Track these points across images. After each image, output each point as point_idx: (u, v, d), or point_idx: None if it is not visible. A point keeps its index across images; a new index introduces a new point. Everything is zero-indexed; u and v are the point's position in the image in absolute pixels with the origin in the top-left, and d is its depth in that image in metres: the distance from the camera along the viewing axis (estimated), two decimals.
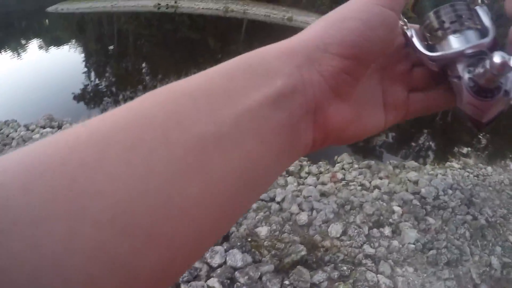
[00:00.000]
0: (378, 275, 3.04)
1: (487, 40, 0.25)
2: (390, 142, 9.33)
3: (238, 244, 2.70)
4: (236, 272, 2.46)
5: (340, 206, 4.09)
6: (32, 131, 5.55)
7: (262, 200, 3.82)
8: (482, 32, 0.26)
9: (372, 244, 3.49)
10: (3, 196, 0.12)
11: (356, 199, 4.34)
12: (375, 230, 3.76)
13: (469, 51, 0.25)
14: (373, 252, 3.34)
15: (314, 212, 3.77)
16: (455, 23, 0.26)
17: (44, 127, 5.80)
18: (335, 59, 0.22)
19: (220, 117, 0.18)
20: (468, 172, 6.41)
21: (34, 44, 14.79)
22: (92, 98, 8.41)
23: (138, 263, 0.14)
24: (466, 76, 0.25)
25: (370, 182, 5.17)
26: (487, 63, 0.23)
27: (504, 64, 0.23)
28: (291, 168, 5.16)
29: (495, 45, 0.26)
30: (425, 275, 3.37)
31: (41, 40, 15.59)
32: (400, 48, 0.28)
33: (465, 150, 10.34)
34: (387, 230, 3.82)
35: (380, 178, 5.41)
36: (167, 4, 18.22)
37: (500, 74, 0.23)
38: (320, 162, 5.83)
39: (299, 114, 0.21)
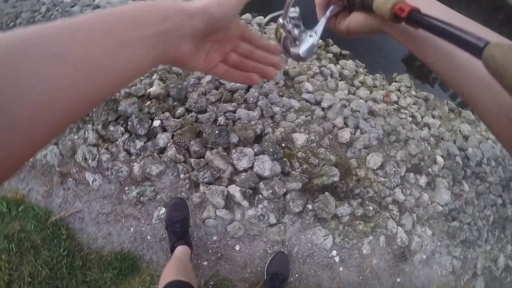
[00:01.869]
0: (399, 227, 2.80)
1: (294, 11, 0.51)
2: None
3: (271, 150, 2.34)
4: (260, 183, 2.16)
5: (386, 134, 3.62)
6: None
7: (306, 100, 3.33)
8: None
9: (404, 190, 3.17)
10: None
11: (403, 131, 3.84)
12: (411, 174, 3.38)
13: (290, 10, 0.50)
14: (403, 200, 3.04)
15: (358, 132, 3.32)
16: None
17: None
18: (202, 23, 0.38)
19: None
20: None
21: None
22: None
23: None
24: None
25: (422, 117, 4.58)
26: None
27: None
28: (346, 71, 4.50)
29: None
30: (439, 243, 3.15)
31: None
32: (233, 37, 0.47)
33: None
34: (423, 179, 3.46)
35: (433, 117, 4.80)
36: None
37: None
38: (377, 74, 5.11)
39: (170, 44, 0.35)
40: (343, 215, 2.43)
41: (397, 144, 3.64)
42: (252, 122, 2.48)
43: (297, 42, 0.50)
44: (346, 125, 3.31)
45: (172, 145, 2.21)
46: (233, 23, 0.43)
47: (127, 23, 0.30)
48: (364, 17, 0.45)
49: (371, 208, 2.65)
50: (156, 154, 2.27)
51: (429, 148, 3.96)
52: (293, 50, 0.50)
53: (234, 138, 2.25)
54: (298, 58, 0.50)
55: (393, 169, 3.21)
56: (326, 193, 2.38)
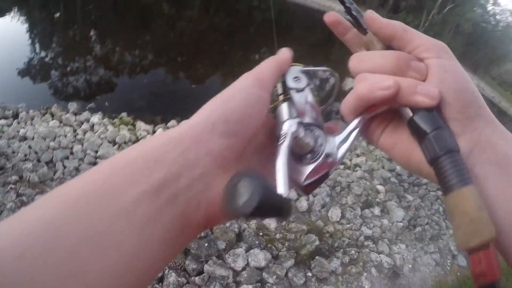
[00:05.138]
0: (380, 254, 3.29)
1: (311, 110, 0.31)
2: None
3: (256, 242, 2.73)
4: (263, 273, 2.50)
5: (332, 188, 4.25)
6: None
7: None
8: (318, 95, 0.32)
9: (368, 225, 3.72)
10: None
11: (343, 179, 4.52)
12: (366, 210, 3.98)
13: (294, 117, 0.30)
14: (371, 233, 3.57)
15: (311, 197, 3.87)
16: (295, 85, 0.31)
17: None
18: (221, 138, 0.25)
19: (94, 221, 0.19)
20: None
21: None
22: (38, 73, 7.63)
23: None
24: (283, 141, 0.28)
25: (350, 161, 5.38)
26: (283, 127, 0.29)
27: (289, 134, 0.28)
28: None
29: (327, 116, 0.32)
30: (414, 250, 3.69)
31: None
32: (271, 133, 0.32)
33: None
34: (376, 210, 4.07)
35: (358, 156, 5.65)
36: None
37: (294, 142, 0.28)
38: None
39: (186, 197, 0.23)
40: (336, 268, 2.83)
41: (343, 192, 4.27)
42: (227, 224, 2.86)
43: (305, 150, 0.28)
44: (298, 195, 3.84)
45: (170, 271, 2.42)
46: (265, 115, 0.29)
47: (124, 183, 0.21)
48: (411, 150, 0.29)
49: (353, 251, 3.11)
50: (157, 285, 2.42)
51: (367, 183, 4.66)
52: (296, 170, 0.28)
53: (221, 244, 2.59)
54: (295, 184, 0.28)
55: (352, 213, 3.77)
56: (317, 257, 2.79)
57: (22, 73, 7.46)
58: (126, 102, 6.11)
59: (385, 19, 0.30)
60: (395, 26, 0.30)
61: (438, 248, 3.87)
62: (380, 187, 4.62)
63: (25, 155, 3.78)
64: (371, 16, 0.31)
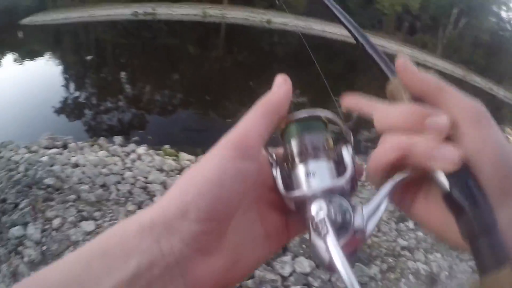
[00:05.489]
0: (417, 262, 3.51)
1: (338, 182, 0.27)
2: None
3: (300, 251, 3.04)
4: (309, 278, 2.80)
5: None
6: (35, 152, 5.21)
7: None
8: (338, 166, 0.28)
9: (403, 237, 3.94)
10: None
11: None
12: (401, 224, 4.21)
13: (319, 193, 0.26)
14: (406, 244, 3.80)
15: None
16: (310, 153, 0.28)
17: (48, 148, 5.43)
18: (193, 224, 0.23)
19: None
20: None
21: (8, 58, 14.31)
22: (72, 111, 8.38)
23: None
24: (311, 219, 0.26)
25: None
26: (311, 210, 0.26)
27: (321, 222, 0.25)
28: None
29: (354, 183, 0.28)
30: (450, 258, 3.87)
31: (15, 53, 15.09)
32: (270, 175, 0.30)
33: None
34: (411, 224, 4.29)
35: None
36: (145, 12, 18.04)
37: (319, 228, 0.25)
38: None
39: (163, 284, 0.22)
40: (376, 274, 3.08)
41: None
42: None
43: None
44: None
45: None
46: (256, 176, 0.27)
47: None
48: (446, 224, 0.26)
49: (390, 260, 3.36)
50: None
51: None
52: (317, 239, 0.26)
53: None
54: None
55: (387, 227, 4.01)
56: (356, 263, 3.06)
57: (63, 110, 8.28)
58: (167, 136, 6.66)
59: (418, 72, 0.28)
60: (430, 83, 0.27)
61: None
62: None
63: (79, 179, 4.25)
64: (403, 65, 0.28)
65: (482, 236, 0.22)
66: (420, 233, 4.15)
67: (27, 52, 15.92)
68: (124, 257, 0.22)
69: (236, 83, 11.62)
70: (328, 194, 0.27)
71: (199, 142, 6.46)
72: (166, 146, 5.79)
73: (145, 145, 5.70)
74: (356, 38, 0.35)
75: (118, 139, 5.95)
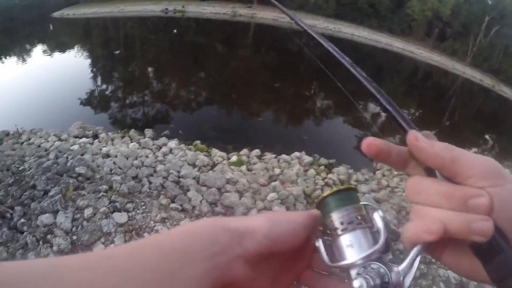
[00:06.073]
0: (447, 271, 3.36)
1: (374, 249, 0.30)
2: None
3: None
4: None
5: (398, 212, 4.30)
6: (65, 141, 5.28)
7: None
8: (373, 232, 0.32)
9: None
10: None
11: (407, 204, 4.50)
12: None
13: (359, 262, 0.30)
14: None
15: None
16: (348, 225, 0.32)
17: (78, 137, 5.52)
18: (255, 244, 0.30)
19: None
20: None
21: (38, 50, 14.55)
22: (102, 103, 8.39)
23: None
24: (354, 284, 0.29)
25: None
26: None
27: None
28: (342, 176, 5.25)
29: (387, 247, 0.31)
30: None
31: (46, 45, 15.35)
32: (302, 251, 0.35)
33: (473, 148, 10.75)
34: None
35: None
36: (175, 9, 18.17)
37: None
38: (362, 170, 5.92)
39: None
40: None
41: (408, 216, 4.25)
42: None
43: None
44: None
45: None
46: (302, 242, 0.33)
47: (175, 255, 0.26)
48: (474, 270, 0.29)
49: (422, 266, 3.26)
50: None
51: None
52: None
53: None
54: None
55: None
56: None
57: (92, 102, 8.33)
58: (197, 132, 6.57)
59: (429, 146, 0.29)
60: (443, 158, 0.28)
61: None
62: None
63: (111, 170, 4.18)
64: (414, 142, 0.29)
65: (508, 279, 0.25)
66: None
67: (58, 44, 16.21)
68: None
69: (262, 83, 11.50)
70: (367, 261, 0.30)
71: (228, 139, 6.40)
72: (197, 142, 5.74)
73: (176, 139, 5.65)
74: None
75: (149, 132, 5.89)
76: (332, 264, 0.32)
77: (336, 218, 0.33)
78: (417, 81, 19.89)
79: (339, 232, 0.32)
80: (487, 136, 13.51)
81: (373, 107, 11.85)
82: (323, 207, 0.35)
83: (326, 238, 0.34)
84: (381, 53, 21.74)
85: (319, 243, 0.34)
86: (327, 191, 0.34)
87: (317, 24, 17.83)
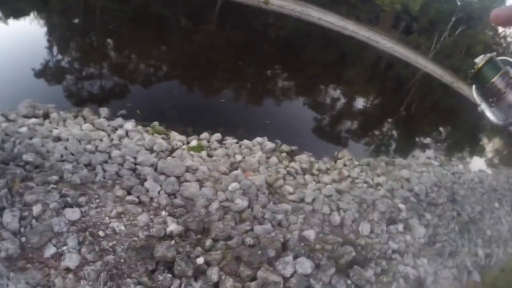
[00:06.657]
0: (407, 266, 3.56)
1: None
2: (374, 139, 10.02)
3: (302, 251, 2.93)
4: (310, 279, 2.68)
5: (359, 204, 4.44)
6: (14, 121, 4.63)
7: (293, 201, 4.02)
8: None
9: (394, 240, 3.95)
10: None
11: (368, 197, 4.71)
12: (391, 226, 4.21)
13: None
14: (397, 247, 3.83)
15: (341, 212, 4.06)
16: (509, 84, 0.39)
17: (27, 117, 4.92)
18: None
19: None
20: (445, 169, 7.14)
21: None
22: (54, 75, 7.91)
23: None
24: None
25: (372, 180, 5.57)
26: None
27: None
28: (304, 165, 5.37)
29: None
30: (435, 264, 3.93)
31: None
32: None
33: (427, 140, 11.42)
34: (400, 226, 4.29)
35: (378, 175, 5.83)
36: None
37: None
38: (324, 158, 6.07)
39: None
40: (371, 277, 3.02)
41: (369, 209, 4.46)
42: (273, 234, 3.06)
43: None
44: (331, 210, 4.02)
45: (227, 277, 2.59)
46: None
47: None
48: None
49: (383, 263, 3.37)
50: None
51: (390, 201, 4.84)
52: (496, 116, 0.40)
53: (271, 253, 2.77)
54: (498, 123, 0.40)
55: (379, 228, 3.95)
56: (355, 266, 3.00)
57: (46, 75, 7.79)
58: (156, 112, 6.33)
59: (507, 10, 0.34)
60: None
61: (455, 264, 4.16)
62: (401, 206, 4.86)
63: (62, 156, 3.85)
64: (494, 14, 0.35)
65: None
66: (408, 237, 4.16)
67: (13, 10, 14.99)
68: None
69: (225, 60, 11.35)
70: None
71: (188, 121, 6.20)
72: (155, 123, 5.57)
73: (133, 120, 5.40)
74: None
75: (104, 111, 5.51)
76: (506, 122, 0.38)
77: (498, 82, 0.38)
78: (379, 70, 20.50)
79: (508, 91, 0.38)
80: (441, 128, 14.37)
81: (334, 92, 12.29)
82: (481, 76, 0.40)
83: (488, 103, 0.39)
84: (346, 40, 22.10)
85: (484, 107, 0.40)
86: (479, 63, 0.40)
87: (284, 5, 17.70)
